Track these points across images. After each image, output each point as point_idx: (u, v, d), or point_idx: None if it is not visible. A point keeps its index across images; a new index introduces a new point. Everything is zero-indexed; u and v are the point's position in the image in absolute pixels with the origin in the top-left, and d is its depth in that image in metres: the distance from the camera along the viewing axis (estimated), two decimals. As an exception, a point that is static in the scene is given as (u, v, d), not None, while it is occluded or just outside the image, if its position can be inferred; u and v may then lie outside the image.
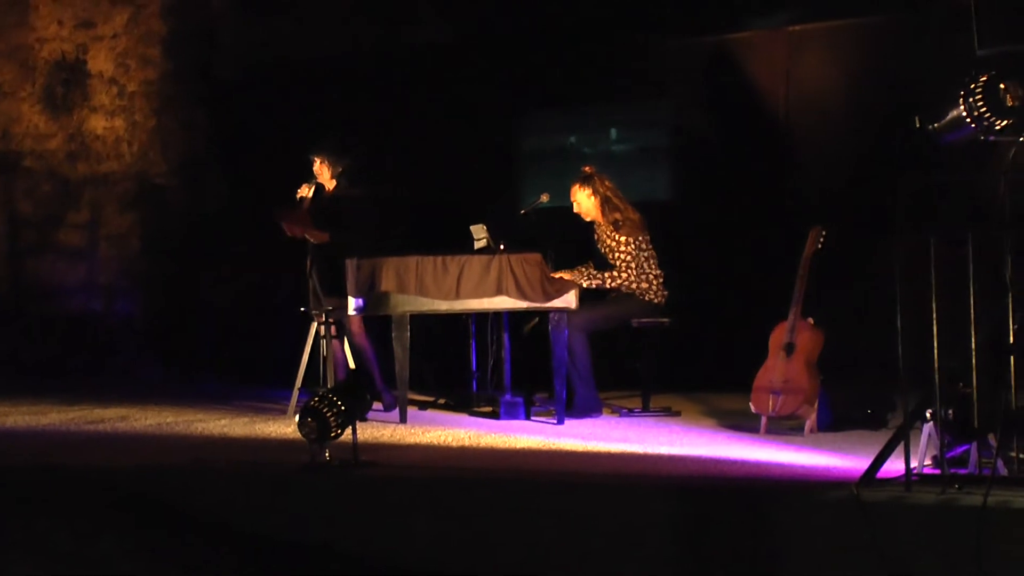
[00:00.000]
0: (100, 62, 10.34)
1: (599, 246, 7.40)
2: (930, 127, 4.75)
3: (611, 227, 7.30)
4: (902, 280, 4.65)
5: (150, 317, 10.35)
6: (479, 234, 7.39)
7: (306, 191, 7.56)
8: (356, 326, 7.51)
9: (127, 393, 8.59)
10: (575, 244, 7.66)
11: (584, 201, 7.38)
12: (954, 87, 4.62)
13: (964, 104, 4.55)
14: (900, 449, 4.59)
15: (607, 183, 7.38)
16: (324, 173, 7.63)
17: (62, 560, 4.97)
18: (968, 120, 4.56)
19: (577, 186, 7.39)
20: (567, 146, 9.46)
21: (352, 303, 7.06)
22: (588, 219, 7.43)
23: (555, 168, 9.24)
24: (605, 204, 7.32)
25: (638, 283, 7.26)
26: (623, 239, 7.25)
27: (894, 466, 4.62)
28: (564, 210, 7.68)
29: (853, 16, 8.46)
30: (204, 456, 5.94)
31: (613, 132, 9.39)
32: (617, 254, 7.27)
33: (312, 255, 7.50)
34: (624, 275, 7.24)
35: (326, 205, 7.58)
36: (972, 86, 4.54)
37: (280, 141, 9.27)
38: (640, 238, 7.28)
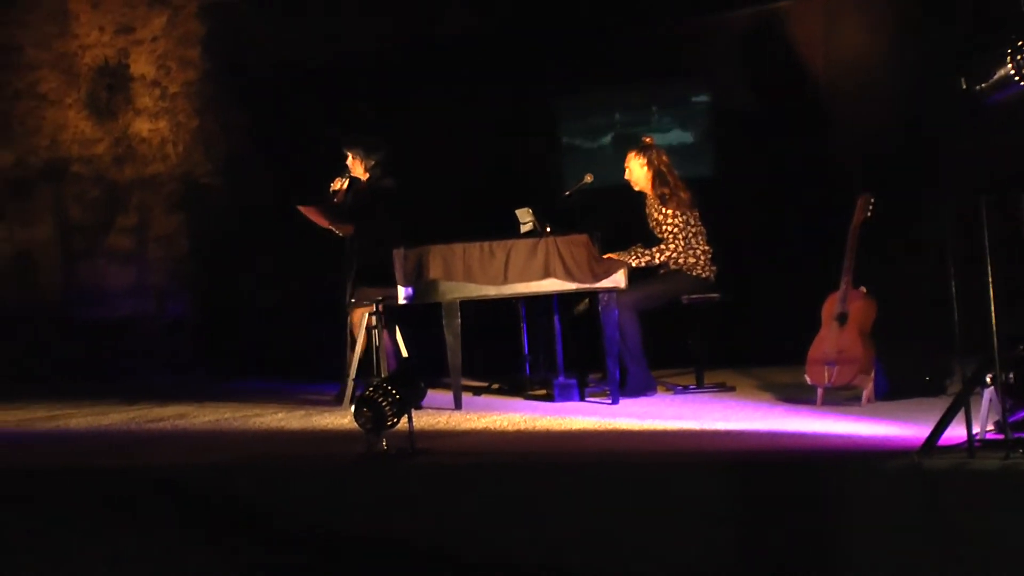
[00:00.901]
0: (141, 65, 10.42)
1: (648, 220, 7.39)
2: (976, 87, 4.70)
3: (658, 200, 7.29)
4: (953, 243, 4.61)
5: (200, 316, 10.44)
6: (525, 218, 7.39)
7: (338, 184, 7.67)
8: (357, 318, 7.52)
9: (183, 392, 8.67)
10: (621, 224, 7.65)
11: (636, 170, 7.37)
12: (999, 46, 4.56)
13: (1012, 62, 4.49)
14: (961, 415, 4.55)
15: (664, 158, 7.37)
16: (357, 167, 7.70)
17: (132, 559, 5.03)
18: (1016, 78, 4.50)
19: (634, 154, 7.39)
20: (608, 128, 9.44)
21: (401, 292, 7.09)
22: (636, 188, 7.42)
23: (597, 149, 9.23)
24: (657, 177, 7.31)
25: (685, 257, 7.24)
26: (669, 212, 7.23)
27: (955, 433, 4.58)
28: (609, 190, 7.67)
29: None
30: (263, 450, 6.00)
31: (654, 111, 9.35)
32: (664, 227, 7.25)
33: (346, 248, 7.58)
34: (672, 246, 7.23)
35: (361, 197, 7.63)
36: (1020, 43, 4.48)
37: (320, 136, 9.30)
38: (687, 214, 7.26)
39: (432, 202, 9.01)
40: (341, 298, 7.66)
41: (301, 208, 7.58)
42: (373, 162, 7.68)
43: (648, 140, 7.46)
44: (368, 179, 7.71)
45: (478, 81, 9.49)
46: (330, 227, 7.65)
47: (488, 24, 9.60)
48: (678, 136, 9.21)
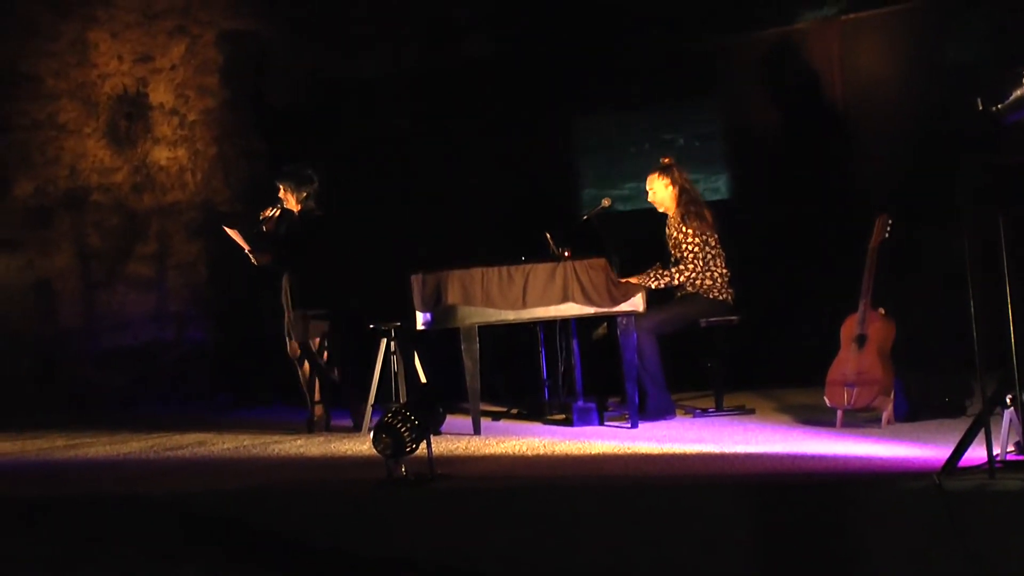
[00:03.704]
0: (160, 94, 10.48)
1: (667, 240, 7.38)
2: (993, 108, 4.70)
3: (679, 218, 7.27)
4: (972, 263, 4.60)
5: (220, 343, 10.45)
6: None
7: (269, 213, 7.71)
8: (296, 348, 7.68)
9: (203, 419, 8.68)
10: (640, 248, 7.64)
11: (660, 191, 7.36)
12: (1016, 67, 4.57)
13: (1027, 83, 4.50)
14: (981, 436, 4.53)
15: (685, 175, 7.37)
16: (289, 199, 7.74)
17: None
18: (1032, 99, 4.50)
19: (656, 175, 7.38)
20: (627, 150, 9.43)
21: (419, 318, 7.10)
22: (661, 210, 7.40)
23: (617, 172, 9.24)
24: (682, 194, 7.31)
25: (702, 280, 7.23)
26: (690, 231, 7.21)
27: (976, 454, 4.56)
28: (627, 214, 7.66)
29: (906, 0, 8.38)
30: (283, 477, 6.00)
31: (672, 135, 9.34)
32: (684, 246, 7.23)
33: (281, 280, 7.72)
34: (691, 267, 7.21)
35: (294, 229, 7.70)
36: (1035, 64, 4.49)
37: (336, 162, 9.33)
38: (707, 235, 7.25)
39: (449, 225, 9.03)
40: (363, 323, 7.66)
41: (227, 229, 7.69)
42: (305, 194, 7.71)
43: (667, 160, 7.45)
44: (300, 211, 7.74)
45: (497, 105, 9.51)
46: (249, 253, 7.69)
47: (507, 48, 9.62)
48: (696, 158, 9.20)
